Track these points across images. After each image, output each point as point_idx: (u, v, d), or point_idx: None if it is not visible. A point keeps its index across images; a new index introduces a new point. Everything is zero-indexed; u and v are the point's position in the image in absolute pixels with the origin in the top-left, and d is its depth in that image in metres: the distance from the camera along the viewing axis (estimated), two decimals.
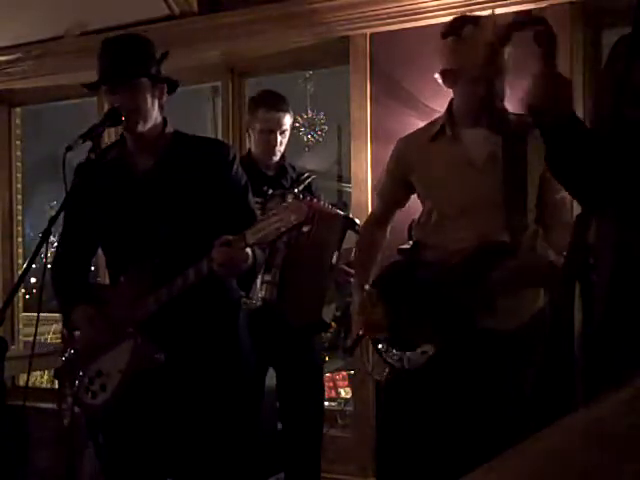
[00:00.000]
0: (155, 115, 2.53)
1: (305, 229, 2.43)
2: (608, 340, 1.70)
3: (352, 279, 3.11)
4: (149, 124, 2.51)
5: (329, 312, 3.40)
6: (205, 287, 2.38)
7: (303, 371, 3.42)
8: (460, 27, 2.54)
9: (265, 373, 3.41)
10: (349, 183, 4.20)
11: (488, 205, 2.53)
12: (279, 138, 3.39)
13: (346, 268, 3.33)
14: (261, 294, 3.20)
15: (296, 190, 3.34)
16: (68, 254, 2.70)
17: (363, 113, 3.97)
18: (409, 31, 3.83)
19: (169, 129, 2.58)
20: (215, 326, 2.54)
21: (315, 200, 3.27)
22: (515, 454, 0.70)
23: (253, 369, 2.74)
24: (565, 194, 2.38)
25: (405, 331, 2.62)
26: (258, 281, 3.15)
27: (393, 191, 2.85)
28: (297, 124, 5.46)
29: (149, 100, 2.49)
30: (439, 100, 3.18)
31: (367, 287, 2.75)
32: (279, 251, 3.17)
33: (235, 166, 2.56)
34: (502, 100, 2.58)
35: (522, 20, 2.01)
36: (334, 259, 3.33)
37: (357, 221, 3.39)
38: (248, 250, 2.31)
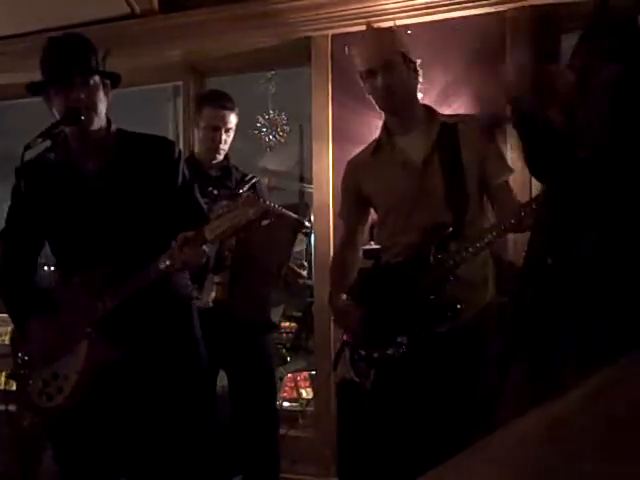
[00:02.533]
0: (103, 113, 2.52)
1: (265, 222, 2.43)
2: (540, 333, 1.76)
3: (301, 281, 3.38)
4: (99, 122, 2.50)
5: (277, 313, 3.44)
6: (158, 284, 2.39)
7: (254, 372, 3.41)
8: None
9: (216, 374, 3.41)
10: (311, 184, 4.20)
11: (432, 199, 2.67)
12: (224, 136, 3.39)
13: (296, 268, 3.40)
14: (212, 295, 3.21)
15: (241, 191, 3.35)
16: (13, 256, 2.65)
17: (324, 114, 3.98)
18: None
19: (113, 128, 2.57)
20: (169, 323, 2.55)
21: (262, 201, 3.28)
22: (468, 458, 0.69)
23: (207, 367, 2.74)
24: (505, 178, 2.69)
25: (380, 331, 2.68)
26: (209, 282, 3.17)
27: (352, 211, 3.02)
28: (258, 124, 5.44)
29: (102, 97, 2.48)
30: None
31: (343, 296, 2.88)
32: (229, 252, 3.19)
33: (181, 163, 2.58)
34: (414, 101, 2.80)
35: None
36: (284, 260, 3.35)
37: (306, 223, 3.45)
38: (204, 246, 2.33)
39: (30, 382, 2.54)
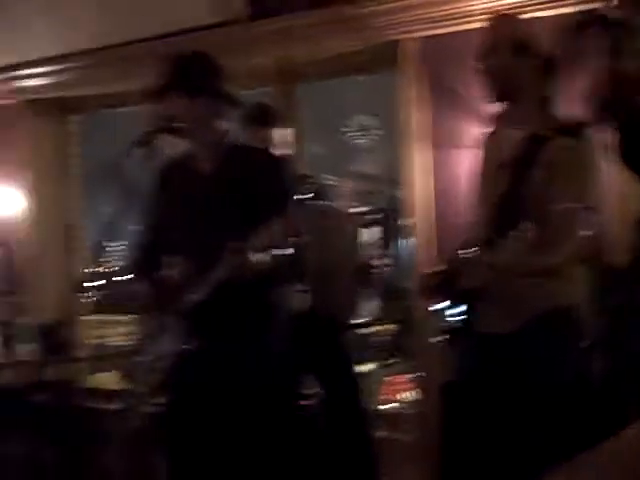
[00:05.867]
0: (215, 126, 2.70)
1: (301, 239, 2.60)
2: None
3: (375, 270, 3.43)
4: (212, 132, 2.67)
5: (365, 307, 3.45)
6: (244, 287, 2.53)
7: (340, 373, 3.45)
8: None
9: (301, 380, 3.46)
10: (400, 187, 4.19)
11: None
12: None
13: (368, 262, 3.39)
14: (295, 303, 3.26)
15: (304, 195, 3.38)
16: (145, 247, 2.88)
17: (413, 117, 3.96)
18: (459, 34, 3.81)
19: (227, 138, 2.75)
20: (245, 325, 2.67)
21: (325, 203, 3.37)
22: (582, 462, 0.69)
23: (283, 374, 2.84)
24: (569, 205, 2.39)
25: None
26: (292, 290, 3.23)
27: None
28: (349, 129, 5.47)
29: (208, 111, 2.67)
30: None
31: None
32: (305, 258, 3.23)
33: (280, 175, 2.74)
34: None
35: (588, 19, 2.03)
36: (353, 255, 3.37)
37: (369, 217, 3.45)
38: (258, 255, 2.46)
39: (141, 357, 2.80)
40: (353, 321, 3.52)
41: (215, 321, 2.62)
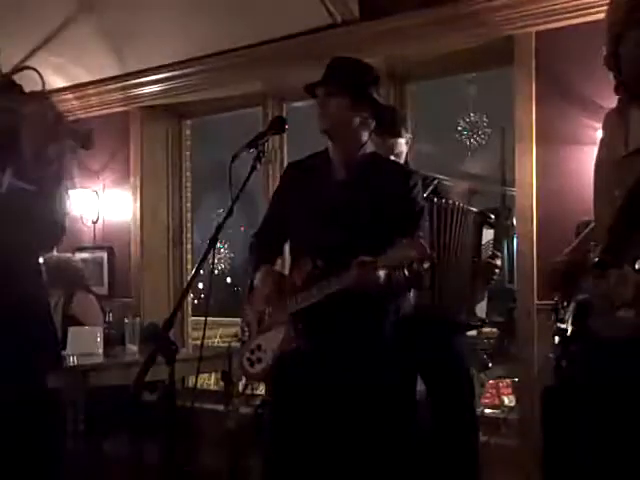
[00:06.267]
0: (359, 134, 2.71)
1: (425, 265, 2.53)
2: None
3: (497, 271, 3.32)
4: (352, 140, 2.70)
5: (482, 309, 3.41)
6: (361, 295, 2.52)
7: (454, 374, 3.40)
8: None
9: (415, 380, 3.42)
10: (513, 187, 4.09)
11: None
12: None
13: (490, 261, 3.38)
14: (414, 300, 3.19)
15: (424, 195, 3.34)
16: (263, 238, 2.92)
17: (528, 114, 3.85)
18: (576, 27, 3.68)
19: (365, 148, 2.74)
20: (362, 328, 2.64)
21: (445, 201, 3.30)
22: None
23: (398, 378, 2.83)
24: None
25: None
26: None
27: None
28: (459, 128, 5.38)
29: (353, 117, 2.67)
30: (612, 98, 3.02)
31: None
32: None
33: (414, 192, 2.72)
34: None
35: None
36: (476, 255, 3.35)
37: (491, 216, 3.40)
38: (380, 272, 2.47)
39: (244, 347, 2.82)
40: (470, 322, 3.45)
41: (328, 321, 2.60)
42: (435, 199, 3.29)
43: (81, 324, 4.43)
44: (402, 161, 3.41)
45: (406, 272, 2.54)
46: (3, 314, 2.35)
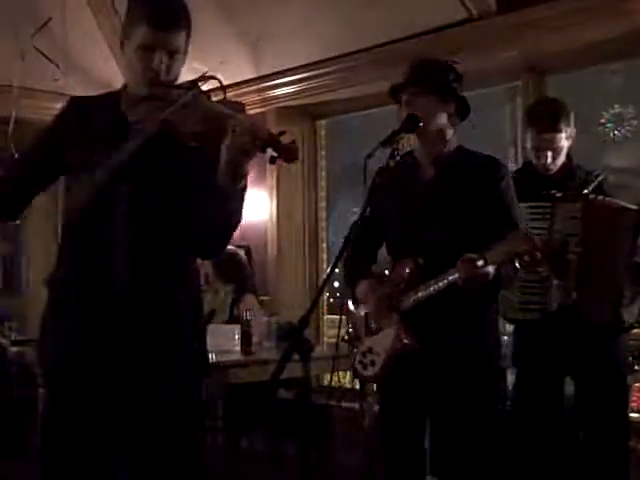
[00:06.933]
0: (446, 131, 2.74)
1: (526, 259, 2.50)
2: None
3: None
4: (440, 138, 2.73)
5: (631, 312, 3.22)
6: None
7: (603, 378, 3.25)
8: None
9: (562, 382, 3.33)
10: None
11: None
12: (549, 153, 3.27)
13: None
14: (556, 299, 3.15)
15: (586, 190, 3.22)
16: (359, 244, 2.86)
17: None
18: None
19: (452, 144, 2.78)
20: (468, 326, 2.67)
21: (603, 198, 3.19)
22: None
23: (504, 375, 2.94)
24: None
25: None
26: (553, 287, 3.15)
27: None
28: (603, 120, 5.15)
29: (440, 115, 2.70)
30: None
31: None
32: (573, 254, 3.14)
33: (504, 182, 2.72)
34: None
35: None
36: (629, 255, 3.18)
37: None
38: (489, 268, 2.47)
39: (355, 351, 2.85)
40: (623, 326, 3.28)
41: (438, 319, 2.63)
42: (590, 196, 3.18)
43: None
44: (562, 156, 3.32)
45: (517, 265, 2.53)
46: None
